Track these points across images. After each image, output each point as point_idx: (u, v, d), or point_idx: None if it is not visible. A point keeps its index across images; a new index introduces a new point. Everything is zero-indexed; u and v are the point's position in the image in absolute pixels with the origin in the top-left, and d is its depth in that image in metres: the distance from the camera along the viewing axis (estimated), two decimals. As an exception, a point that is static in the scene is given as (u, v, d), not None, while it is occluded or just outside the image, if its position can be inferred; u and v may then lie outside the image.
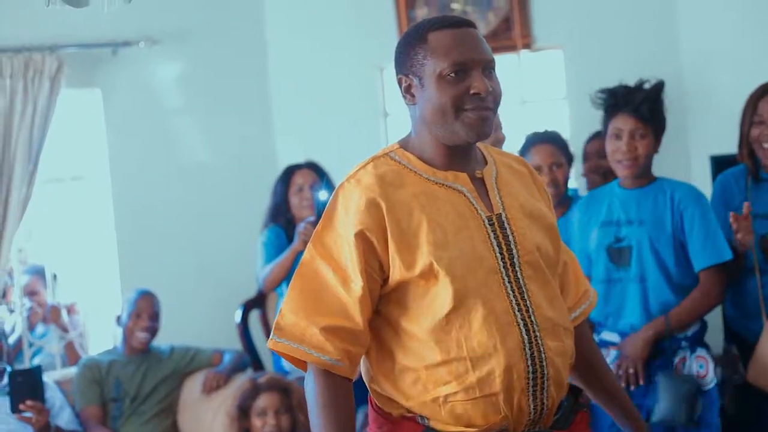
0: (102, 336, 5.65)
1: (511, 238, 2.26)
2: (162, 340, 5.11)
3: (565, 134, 4.82)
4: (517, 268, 2.25)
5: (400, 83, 2.30)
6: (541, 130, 4.47)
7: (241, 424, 4.68)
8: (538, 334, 2.23)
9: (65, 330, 5.41)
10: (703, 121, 5.24)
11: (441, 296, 2.19)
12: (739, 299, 4.01)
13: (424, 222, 2.20)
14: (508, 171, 2.39)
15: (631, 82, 3.91)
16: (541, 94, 5.81)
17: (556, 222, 2.45)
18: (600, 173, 4.53)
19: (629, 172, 3.86)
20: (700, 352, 3.87)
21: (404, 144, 2.33)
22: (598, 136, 4.54)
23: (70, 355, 5.38)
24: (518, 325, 2.21)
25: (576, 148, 4.67)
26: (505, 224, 2.27)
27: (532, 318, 2.23)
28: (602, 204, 3.97)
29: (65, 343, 5.40)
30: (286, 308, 2.22)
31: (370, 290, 2.21)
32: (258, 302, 5.30)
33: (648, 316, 3.83)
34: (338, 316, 2.19)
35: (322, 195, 4.61)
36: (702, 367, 3.82)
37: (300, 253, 4.64)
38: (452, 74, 2.21)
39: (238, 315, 5.25)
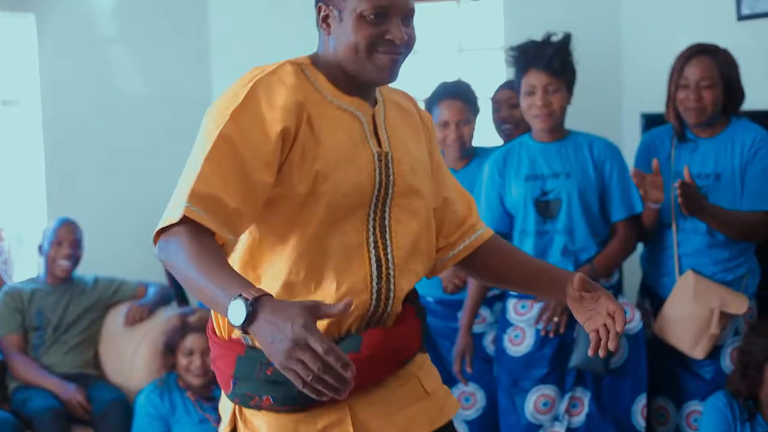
0: (27, 264, 5.60)
1: (391, 178, 2.30)
2: (87, 271, 5.09)
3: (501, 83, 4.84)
4: (387, 208, 2.30)
5: (319, 11, 2.29)
6: (452, 80, 4.45)
7: (167, 360, 4.69)
8: (391, 272, 2.28)
9: (-12, 255, 5.38)
10: (637, 78, 5.29)
11: (310, 215, 2.19)
12: (655, 255, 4.11)
13: (321, 145, 2.20)
14: (396, 109, 2.42)
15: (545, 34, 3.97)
16: (478, 42, 5.82)
17: (434, 165, 2.48)
18: (512, 122, 4.54)
19: (545, 126, 3.96)
20: (623, 299, 4.07)
21: (314, 60, 2.32)
22: (507, 86, 4.57)
23: (-7, 281, 5.35)
24: (369, 260, 2.25)
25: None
26: (390, 163, 2.31)
27: (389, 257, 2.29)
28: (521, 158, 4.04)
29: (-12, 269, 5.37)
30: (202, 177, 2.09)
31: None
32: (185, 237, 5.28)
33: (575, 265, 3.95)
34: (243, 199, 2.12)
35: None
36: (627, 312, 3.92)
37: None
38: (372, 16, 2.21)
39: (164, 249, 5.22)
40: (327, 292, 2.21)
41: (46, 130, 5.56)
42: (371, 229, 2.28)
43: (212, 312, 2.31)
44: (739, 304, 3.88)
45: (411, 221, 2.36)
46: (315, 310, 1.88)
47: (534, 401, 3.98)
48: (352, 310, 2.22)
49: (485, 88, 4.91)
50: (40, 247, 4.99)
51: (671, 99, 4.00)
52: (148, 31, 5.85)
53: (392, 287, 2.30)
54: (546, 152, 4.01)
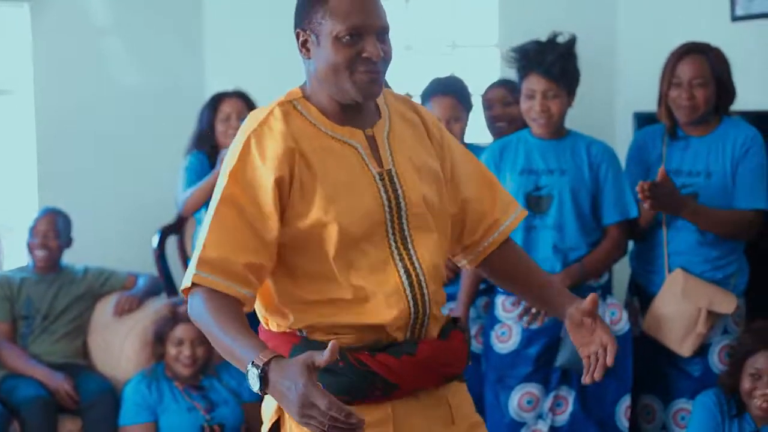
0: (18, 253, 5.59)
1: (399, 192, 2.39)
2: (77, 261, 5.08)
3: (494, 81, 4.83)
4: (404, 221, 2.39)
5: (297, 37, 2.38)
6: (444, 75, 4.45)
7: (156, 349, 4.70)
8: (422, 279, 2.39)
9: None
10: (630, 78, 5.29)
11: (326, 244, 2.31)
12: (645, 253, 4.12)
13: (319, 177, 2.32)
14: (400, 121, 2.50)
15: (564, 34, 3.96)
16: (472, 39, 5.82)
17: (447, 170, 2.54)
18: (505, 120, 4.53)
19: (543, 131, 3.99)
20: (611, 300, 4.06)
21: (305, 93, 2.43)
22: (500, 84, 4.56)
23: (-19, 269, 5.34)
24: (397, 270, 2.37)
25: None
26: (395, 179, 2.40)
27: (416, 264, 2.39)
28: (518, 152, 4.04)
29: (-23, 257, 5.36)
30: (209, 244, 2.28)
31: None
32: (176, 228, 5.29)
33: (564, 263, 3.94)
34: (257, 252, 2.28)
35: None
36: (614, 313, 3.98)
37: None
38: (347, 37, 2.29)
39: (155, 240, 5.23)
40: (367, 307, 2.34)
41: (39, 119, 5.56)
42: (393, 243, 2.38)
43: (258, 307, 2.45)
44: (727, 304, 3.89)
45: (429, 230, 2.44)
46: (311, 366, 2.04)
47: (518, 399, 3.99)
48: (396, 319, 2.35)
49: (479, 84, 4.90)
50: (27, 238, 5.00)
51: (663, 97, 4.01)
52: (142, 21, 5.83)
53: (426, 291, 2.39)
54: (543, 148, 4.01)
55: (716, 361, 3.96)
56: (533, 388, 3.97)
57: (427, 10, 5.74)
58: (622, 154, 4.27)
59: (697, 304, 3.88)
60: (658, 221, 4.03)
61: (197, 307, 2.27)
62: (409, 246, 2.39)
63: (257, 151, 2.31)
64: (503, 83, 4.51)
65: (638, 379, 4.03)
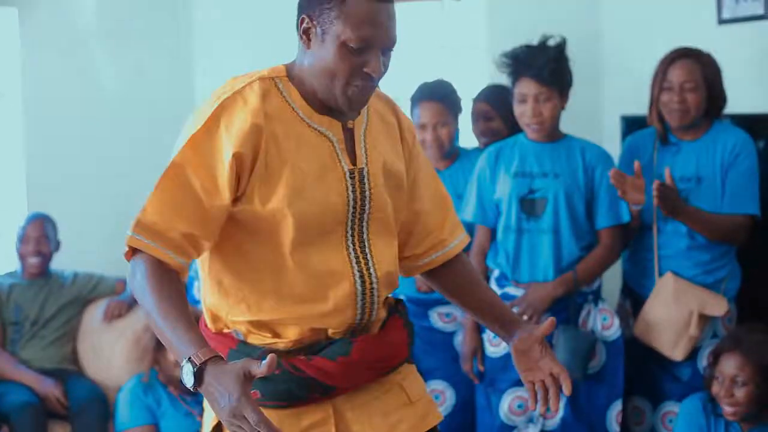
0: (7, 258, 5.58)
1: (367, 193, 2.34)
2: (66, 266, 5.08)
3: (484, 86, 4.83)
4: (365, 223, 2.34)
5: (301, 21, 2.29)
6: (432, 80, 4.44)
7: (155, 356, 4.67)
8: (375, 286, 2.35)
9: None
10: (617, 81, 5.31)
11: (282, 234, 2.25)
12: (636, 257, 4.14)
13: (288, 164, 2.25)
14: (378, 121, 2.44)
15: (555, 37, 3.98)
16: (460, 42, 5.82)
17: (410, 178, 2.51)
18: (488, 136, 4.47)
19: (537, 135, 4.00)
20: (603, 305, 4.06)
21: (289, 72, 2.35)
22: (482, 98, 4.50)
23: (-30, 276, 5.33)
24: (353, 276, 2.32)
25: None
26: (365, 179, 2.34)
27: (371, 271, 2.34)
28: (512, 155, 4.05)
29: (-34, 264, 5.35)
30: (150, 207, 2.21)
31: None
32: (165, 233, 5.27)
33: (558, 267, 3.96)
34: (199, 223, 2.21)
35: None
36: (606, 319, 3.99)
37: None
38: (355, 46, 2.21)
39: (144, 245, 5.22)
40: (315, 309, 2.30)
41: (28, 124, 5.54)
42: (350, 245, 2.33)
43: (203, 306, 2.41)
44: (718, 306, 3.91)
45: (390, 236, 2.42)
46: (248, 376, 2.02)
47: (509, 402, 4.00)
48: (341, 324, 2.32)
49: (468, 87, 4.90)
50: (16, 244, 4.99)
51: (654, 102, 4.03)
52: (131, 26, 5.83)
53: (376, 299, 2.36)
54: (538, 151, 4.02)
55: (705, 365, 3.98)
56: (524, 392, 3.97)
57: (415, 14, 5.74)
58: (610, 157, 4.28)
59: (689, 307, 3.89)
60: (645, 225, 4.05)
61: (139, 279, 2.20)
62: (367, 251, 2.35)
63: (224, 120, 2.23)
64: (485, 96, 4.49)
65: (628, 381, 4.04)
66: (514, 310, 3.95)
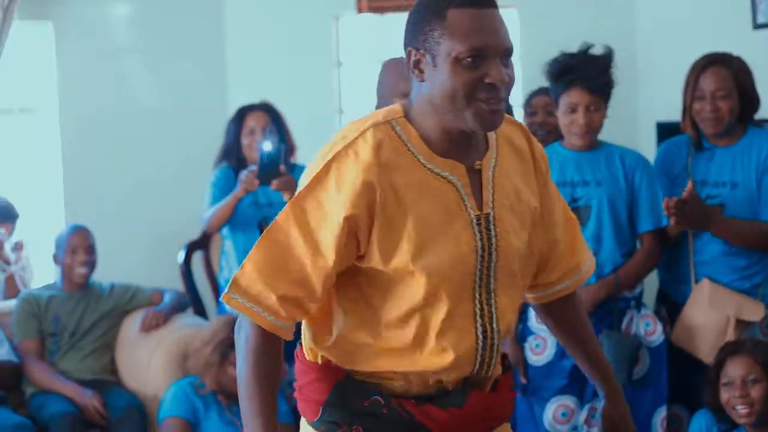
0: (45, 271, 5.62)
1: (493, 240, 2.19)
2: (103, 278, 5.10)
3: (517, 95, 4.83)
4: (491, 274, 2.20)
5: (409, 56, 2.15)
6: None
7: (220, 369, 4.59)
8: (496, 340, 2.23)
9: (6, 262, 5.39)
10: (652, 87, 5.29)
11: (411, 291, 2.15)
12: (672, 263, 4.12)
13: (411, 216, 2.12)
14: (508, 150, 2.28)
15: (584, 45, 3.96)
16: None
17: (546, 207, 2.38)
18: (546, 129, 4.50)
19: (584, 143, 3.98)
20: (645, 311, 4.05)
21: (407, 112, 2.19)
22: (544, 92, 4.54)
23: (9, 288, 5.36)
24: (476, 331, 2.20)
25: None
26: (491, 225, 2.19)
27: (494, 325, 2.22)
28: (551, 165, 4.01)
29: (5, 276, 5.38)
30: (249, 266, 2.15)
31: (339, 267, 2.16)
32: (202, 244, 5.30)
33: (598, 274, 3.94)
34: (299, 286, 2.14)
35: (266, 146, 4.51)
36: (649, 325, 3.98)
37: (240, 200, 4.67)
38: (469, 59, 2.07)
39: (181, 256, 5.26)
40: (434, 362, 2.19)
41: (64, 137, 5.60)
42: (477, 296, 2.20)
43: (303, 338, 2.31)
44: (755, 311, 3.88)
45: (514, 285, 2.27)
46: None
47: (553, 411, 3.97)
48: (459, 377, 2.24)
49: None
50: (55, 256, 5.00)
51: (687, 110, 4.00)
52: (165, 40, 5.88)
53: (495, 354, 2.25)
54: (577, 160, 4.00)
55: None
56: (568, 401, 3.96)
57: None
58: (646, 164, 4.26)
59: (725, 312, 3.87)
60: (684, 231, 4.02)
61: (242, 343, 2.20)
62: (492, 302, 2.21)
63: (333, 179, 2.11)
64: (547, 91, 4.48)
65: (669, 389, 4.02)
66: None
